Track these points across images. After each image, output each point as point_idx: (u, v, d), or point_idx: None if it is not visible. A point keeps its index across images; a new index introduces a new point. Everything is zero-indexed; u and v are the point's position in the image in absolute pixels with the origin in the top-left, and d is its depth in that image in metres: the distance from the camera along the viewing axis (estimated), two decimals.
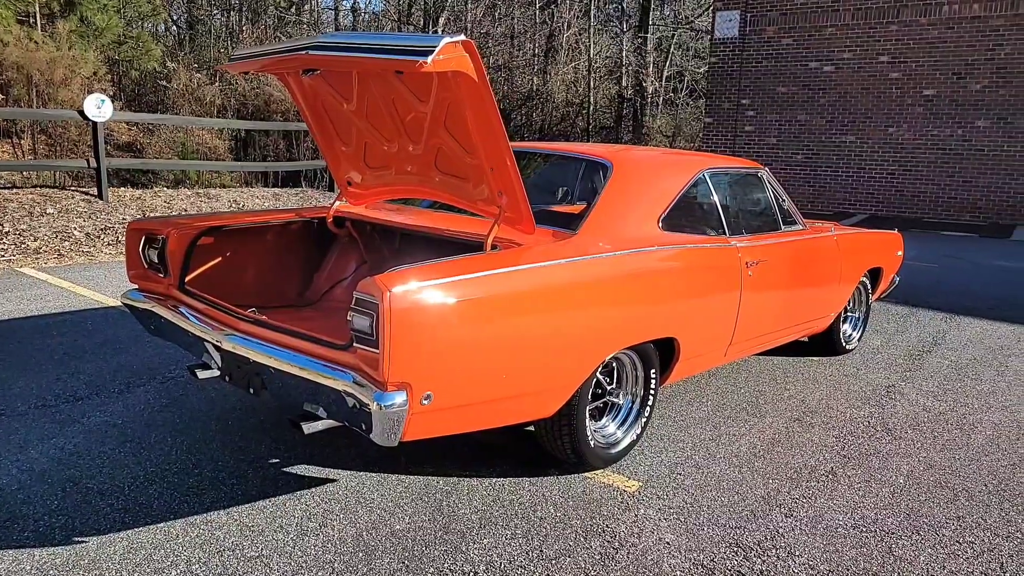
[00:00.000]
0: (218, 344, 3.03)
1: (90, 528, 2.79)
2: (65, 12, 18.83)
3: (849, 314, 5.49)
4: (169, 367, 4.50)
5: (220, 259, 3.69)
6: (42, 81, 16.24)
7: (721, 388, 4.54)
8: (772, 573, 2.68)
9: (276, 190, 13.02)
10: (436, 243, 3.48)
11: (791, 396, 4.47)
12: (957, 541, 2.93)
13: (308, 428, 2.73)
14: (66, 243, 8.11)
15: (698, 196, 3.98)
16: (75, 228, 8.53)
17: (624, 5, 29.13)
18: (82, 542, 2.70)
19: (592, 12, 27.11)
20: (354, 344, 2.55)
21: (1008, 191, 13.50)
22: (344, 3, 30.19)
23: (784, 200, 4.63)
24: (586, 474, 3.33)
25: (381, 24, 30.01)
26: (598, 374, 3.26)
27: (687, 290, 3.61)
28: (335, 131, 3.66)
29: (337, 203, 3.97)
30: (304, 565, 2.62)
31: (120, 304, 5.52)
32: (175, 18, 28.93)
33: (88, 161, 10.01)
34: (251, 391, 3.06)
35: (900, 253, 5.90)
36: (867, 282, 5.51)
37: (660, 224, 3.59)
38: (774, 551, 2.81)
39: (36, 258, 7.61)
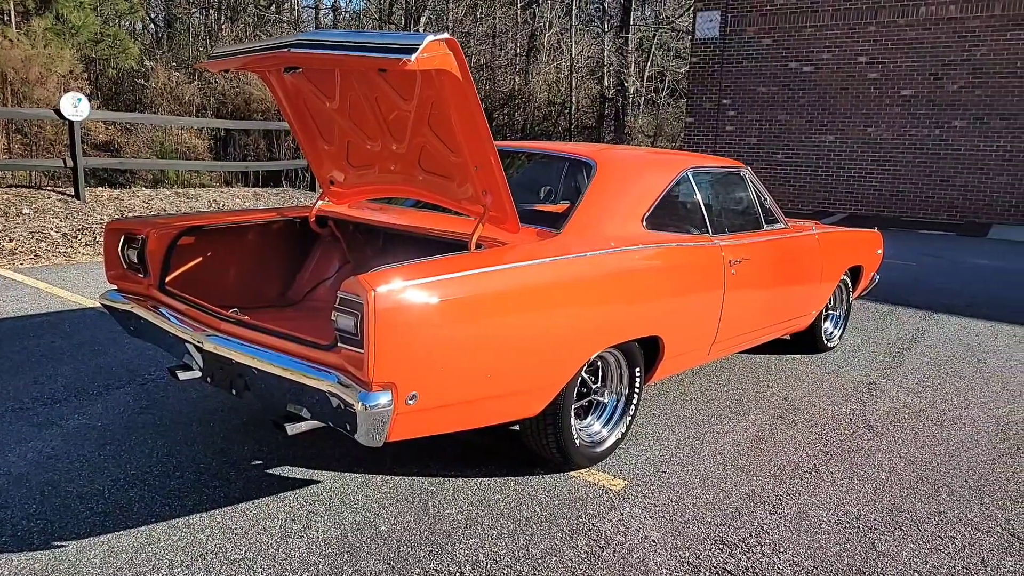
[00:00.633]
0: (199, 345, 3.00)
1: (69, 532, 2.75)
2: (40, 9, 18.61)
3: (830, 312, 5.53)
4: (149, 368, 4.45)
5: (201, 259, 3.65)
6: (17, 80, 16.04)
7: (705, 386, 4.56)
8: (757, 569, 2.69)
9: (257, 190, 12.93)
10: (420, 242, 3.47)
11: (774, 394, 4.50)
12: (939, 536, 2.96)
13: (292, 429, 2.71)
14: (42, 244, 8.01)
15: (681, 195, 3.99)
16: (52, 228, 8.42)
17: (605, 5, 29.20)
18: (61, 546, 2.66)
19: (574, 12, 27.16)
20: (338, 344, 2.53)
21: (984, 190, 13.67)
22: (325, 2, 30.04)
23: (766, 199, 4.66)
24: (571, 473, 3.33)
25: (362, 23, 29.90)
26: (583, 373, 3.26)
27: (671, 289, 3.62)
28: (317, 130, 3.64)
29: (320, 202, 3.95)
30: (288, 567, 2.59)
31: (99, 305, 5.45)
32: (153, 16, 28.67)
33: (65, 160, 9.88)
34: (233, 392, 3.03)
35: (880, 251, 5.95)
36: (848, 280, 5.55)
37: (644, 223, 3.60)
38: (759, 548, 2.82)
39: (12, 259, 7.50)
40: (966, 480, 3.46)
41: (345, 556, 2.67)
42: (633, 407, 3.56)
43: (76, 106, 9.35)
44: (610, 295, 3.24)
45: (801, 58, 14.85)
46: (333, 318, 2.50)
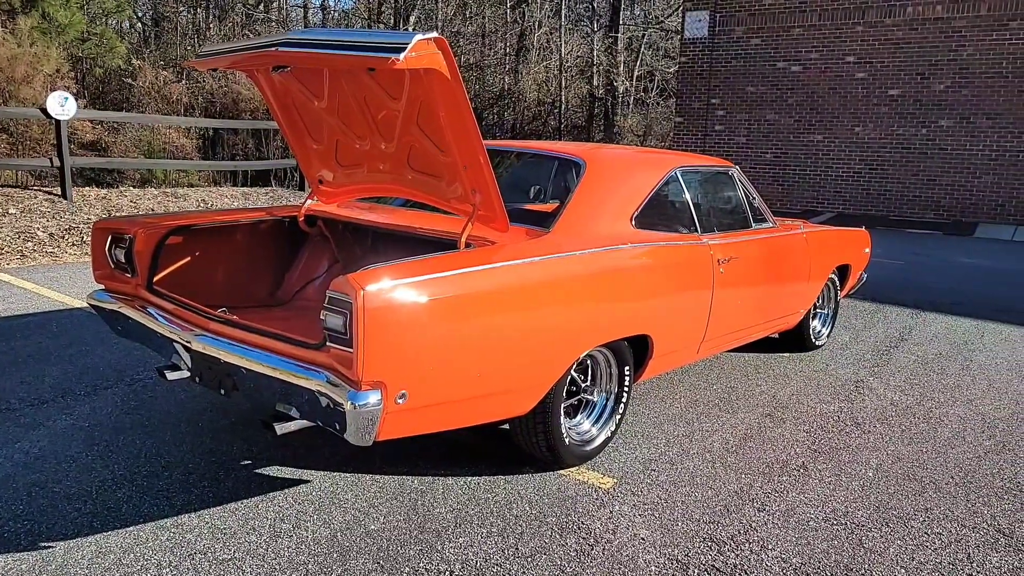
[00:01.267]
0: (188, 345, 2.99)
1: (57, 533, 2.74)
2: (26, 8, 18.47)
3: (818, 311, 5.56)
4: (137, 369, 4.43)
5: (189, 259, 3.63)
6: (3, 78, 15.91)
7: (694, 384, 4.57)
8: (746, 567, 2.70)
9: (245, 189, 12.88)
10: (409, 241, 3.47)
11: (763, 392, 4.52)
12: (925, 532, 2.98)
13: (281, 429, 2.70)
14: (29, 244, 7.95)
15: (670, 194, 4.00)
16: (38, 228, 8.37)
17: (595, 5, 29.22)
18: (49, 547, 2.65)
19: (563, 12, 27.17)
20: (327, 343, 2.53)
21: (970, 189, 13.76)
22: (313, 1, 29.94)
23: (755, 198, 4.68)
24: (561, 472, 3.34)
25: (351, 22, 29.82)
26: (573, 372, 3.27)
27: (660, 288, 3.63)
28: (306, 129, 3.63)
29: (308, 202, 3.94)
30: (278, 567, 2.59)
31: (86, 305, 5.42)
32: (140, 15, 28.51)
33: (51, 160, 9.81)
34: (222, 392, 3.02)
35: (867, 250, 5.99)
36: (836, 279, 5.58)
37: (633, 222, 3.61)
38: (747, 545, 2.84)
39: None
40: (952, 477, 3.48)
41: (335, 556, 2.67)
42: (622, 405, 3.57)
43: (63, 105, 9.29)
44: (599, 294, 3.25)
45: (789, 58, 14.91)
46: (322, 317, 2.49)
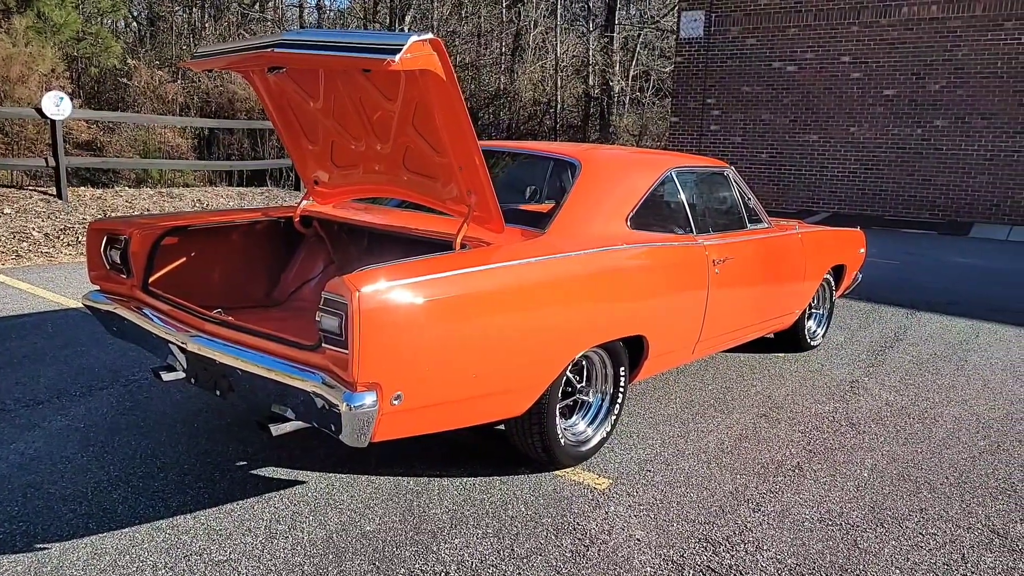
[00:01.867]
0: (183, 346, 2.99)
1: (53, 534, 2.73)
2: (22, 7, 18.42)
3: (814, 311, 5.57)
4: (132, 370, 4.42)
5: (185, 259, 3.63)
6: None
7: (689, 385, 4.58)
8: (741, 567, 2.71)
9: (241, 189, 12.87)
10: (405, 242, 3.47)
11: (758, 392, 4.53)
12: (920, 533, 2.99)
13: (276, 430, 2.70)
14: (24, 244, 7.93)
15: (666, 195, 4.01)
16: (34, 228, 8.35)
17: (590, 4, 29.22)
18: (44, 548, 2.64)
19: (558, 11, 27.17)
20: (323, 344, 2.53)
21: (965, 189, 13.79)
22: (309, 0, 29.91)
23: (750, 198, 4.69)
24: (556, 472, 3.34)
25: (346, 22, 29.79)
26: (568, 372, 3.27)
27: (655, 288, 3.64)
28: (301, 129, 3.63)
29: (304, 202, 3.94)
30: (273, 568, 2.59)
31: (81, 306, 5.41)
32: (135, 14, 28.45)
33: (46, 160, 9.79)
34: (217, 393, 3.02)
35: (863, 251, 6.00)
36: (831, 279, 5.59)
37: (628, 223, 3.61)
38: (742, 546, 2.84)
39: None
40: (947, 477, 3.49)
41: (330, 557, 2.67)
42: (618, 406, 3.57)
43: (58, 105, 9.27)
44: (595, 295, 3.25)
45: (785, 58, 14.94)
46: (317, 318, 2.49)
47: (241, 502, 3.00)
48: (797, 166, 15.13)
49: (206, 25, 25.43)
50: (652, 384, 4.54)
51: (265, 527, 2.83)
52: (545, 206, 3.91)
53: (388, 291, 2.48)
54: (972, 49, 13.41)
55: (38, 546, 2.66)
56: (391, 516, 2.94)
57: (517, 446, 3.31)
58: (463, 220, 3.05)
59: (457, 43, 27.16)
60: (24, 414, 3.76)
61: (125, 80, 20.82)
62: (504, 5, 28.68)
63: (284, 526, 2.84)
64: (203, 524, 2.84)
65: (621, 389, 3.57)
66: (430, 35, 2.50)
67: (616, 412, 3.57)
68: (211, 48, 3.13)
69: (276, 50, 2.70)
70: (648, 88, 28.39)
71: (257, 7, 28.03)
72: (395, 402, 2.53)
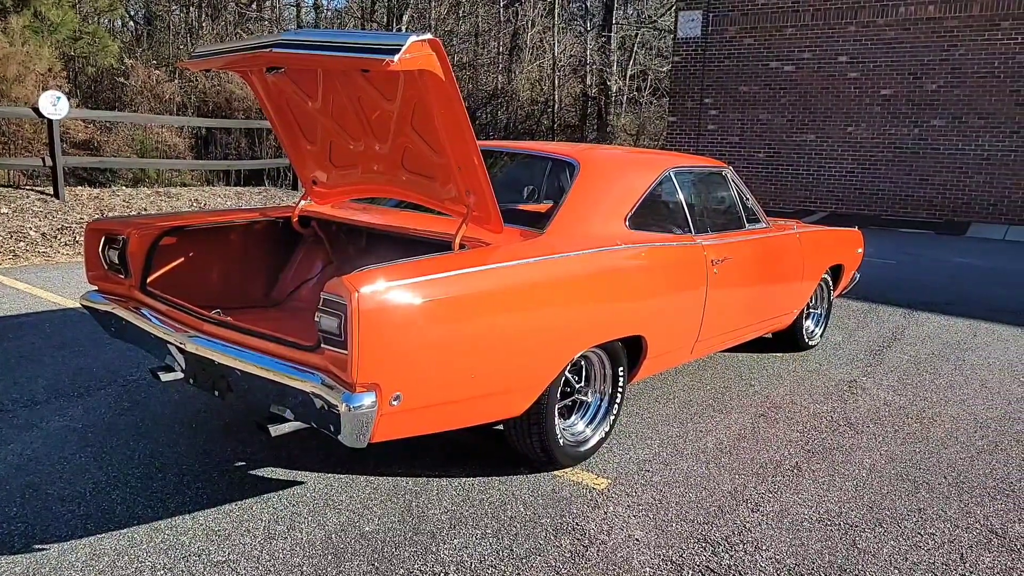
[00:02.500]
0: (181, 346, 2.98)
1: (51, 535, 2.73)
2: (18, 7, 18.37)
3: (812, 311, 5.57)
4: (131, 370, 4.42)
5: (183, 260, 3.63)
6: None
7: (687, 385, 4.58)
8: (740, 567, 2.71)
9: (238, 189, 12.85)
10: (403, 242, 3.47)
11: (756, 392, 4.53)
12: (919, 533, 2.99)
13: (275, 430, 2.70)
14: (21, 243, 7.92)
15: (664, 195, 4.01)
16: (31, 228, 8.34)
17: (588, 4, 29.23)
18: (43, 549, 2.64)
19: (556, 11, 27.16)
20: (322, 345, 2.53)
21: (963, 189, 13.81)
22: (306, 0, 29.89)
23: (748, 198, 4.69)
24: (555, 472, 3.34)
25: (344, 21, 29.76)
26: (567, 372, 3.27)
27: (654, 288, 3.64)
28: (300, 129, 3.62)
29: (302, 202, 3.93)
30: (272, 569, 2.59)
31: (79, 306, 5.40)
32: (132, 13, 28.39)
33: (43, 159, 9.77)
34: (216, 394, 3.02)
35: (860, 250, 6.01)
36: (829, 279, 5.60)
37: (627, 223, 3.61)
38: (741, 546, 2.85)
39: None
40: (946, 477, 3.50)
41: (329, 557, 2.66)
42: (616, 406, 3.57)
43: (55, 104, 9.25)
44: (593, 295, 3.25)
45: (782, 58, 14.95)
46: (317, 319, 2.49)
47: (240, 503, 3.00)
48: (795, 166, 15.15)
49: (203, 24, 25.39)
50: (651, 384, 4.54)
51: (264, 528, 2.83)
52: (543, 206, 3.91)
53: (387, 292, 2.48)
54: (969, 49, 13.42)
55: (36, 547, 2.66)
56: (390, 517, 2.94)
57: (516, 446, 3.31)
58: (462, 220, 3.05)
59: (454, 42, 27.16)
60: (22, 414, 3.75)
61: (122, 79, 20.78)
62: (502, 4, 28.67)
63: (283, 527, 2.84)
64: (202, 525, 2.83)
65: (620, 389, 3.57)
66: (429, 35, 2.49)
67: (615, 412, 3.57)
68: (209, 48, 3.13)
69: (275, 50, 2.70)
70: (646, 88, 28.39)
71: (254, 6, 28.00)
72: (394, 403, 2.53)
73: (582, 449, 3.44)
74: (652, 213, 3.84)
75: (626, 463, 3.49)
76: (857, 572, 2.71)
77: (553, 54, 26.68)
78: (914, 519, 3.10)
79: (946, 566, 2.77)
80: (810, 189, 15.06)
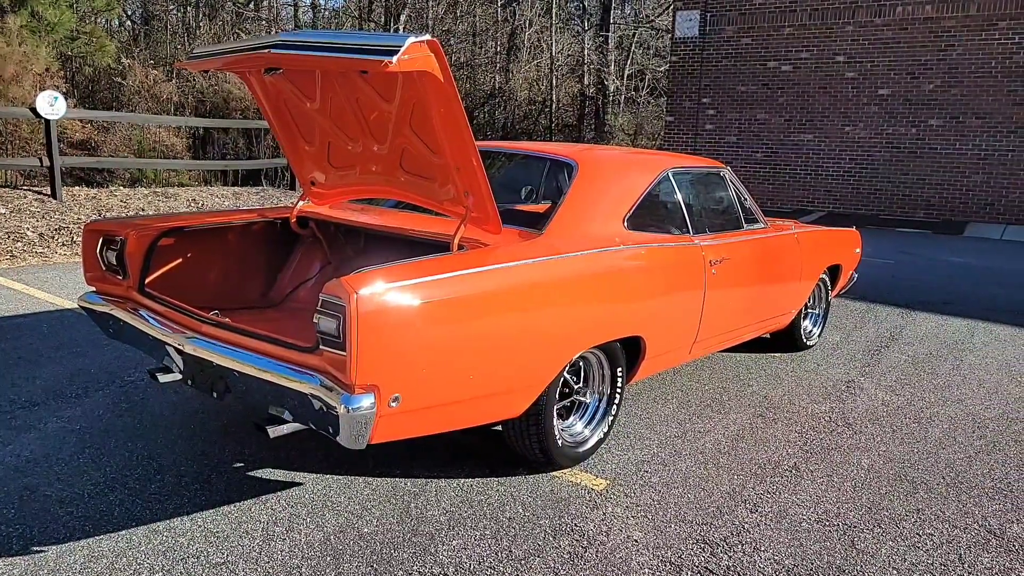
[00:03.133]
0: (180, 347, 2.98)
1: (49, 537, 2.72)
2: (15, 7, 18.34)
3: (810, 311, 5.58)
4: (129, 371, 4.41)
5: (181, 260, 3.62)
6: None
7: (686, 385, 4.59)
8: (739, 568, 2.71)
9: (236, 189, 12.84)
10: (402, 243, 3.46)
11: (754, 392, 4.53)
12: (917, 533, 3.00)
13: (273, 432, 2.70)
14: (19, 244, 7.90)
15: (662, 195, 4.01)
16: (28, 228, 8.32)
17: (585, 3, 29.23)
18: (41, 551, 2.64)
19: (553, 10, 27.17)
20: (320, 346, 2.52)
21: (960, 188, 13.83)
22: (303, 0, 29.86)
23: (746, 199, 4.69)
24: (554, 473, 3.34)
25: (341, 21, 29.74)
26: (565, 373, 3.27)
27: (652, 289, 3.64)
28: (298, 130, 3.62)
29: (300, 203, 3.93)
30: (271, 571, 2.58)
31: (77, 307, 5.39)
32: (130, 13, 28.37)
33: (41, 159, 9.76)
34: (214, 395, 3.01)
35: (858, 250, 6.01)
36: (827, 279, 5.60)
37: (625, 223, 3.61)
38: (740, 546, 2.85)
39: None
40: (944, 477, 3.50)
41: (328, 559, 2.66)
42: (615, 407, 3.57)
43: (52, 104, 9.24)
44: (592, 296, 3.25)
45: (780, 57, 14.96)
46: (315, 320, 2.49)
47: (238, 504, 3.00)
48: (792, 166, 15.16)
49: (200, 24, 25.37)
50: (649, 384, 4.54)
51: (262, 529, 2.83)
52: (542, 207, 3.91)
53: (386, 293, 2.47)
54: (966, 49, 13.44)
55: (34, 549, 2.65)
56: (389, 518, 2.94)
57: (514, 447, 3.31)
58: (460, 221, 3.05)
59: (452, 42, 27.15)
60: (20, 415, 3.74)
61: (120, 79, 20.76)
62: (499, 4, 28.67)
63: (281, 528, 2.84)
64: (200, 526, 2.83)
65: (618, 390, 3.57)
66: (428, 36, 2.49)
67: (613, 413, 3.57)
68: (207, 49, 3.13)
69: (273, 51, 2.69)
70: (643, 87, 28.40)
71: (252, 6, 27.97)
72: (393, 404, 2.53)
73: (581, 450, 3.44)
74: (650, 214, 3.84)
75: (625, 464, 3.49)
76: (856, 573, 2.71)
77: (551, 54, 26.69)
78: (912, 519, 3.10)
79: (944, 567, 2.77)
80: (808, 189, 15.08)
